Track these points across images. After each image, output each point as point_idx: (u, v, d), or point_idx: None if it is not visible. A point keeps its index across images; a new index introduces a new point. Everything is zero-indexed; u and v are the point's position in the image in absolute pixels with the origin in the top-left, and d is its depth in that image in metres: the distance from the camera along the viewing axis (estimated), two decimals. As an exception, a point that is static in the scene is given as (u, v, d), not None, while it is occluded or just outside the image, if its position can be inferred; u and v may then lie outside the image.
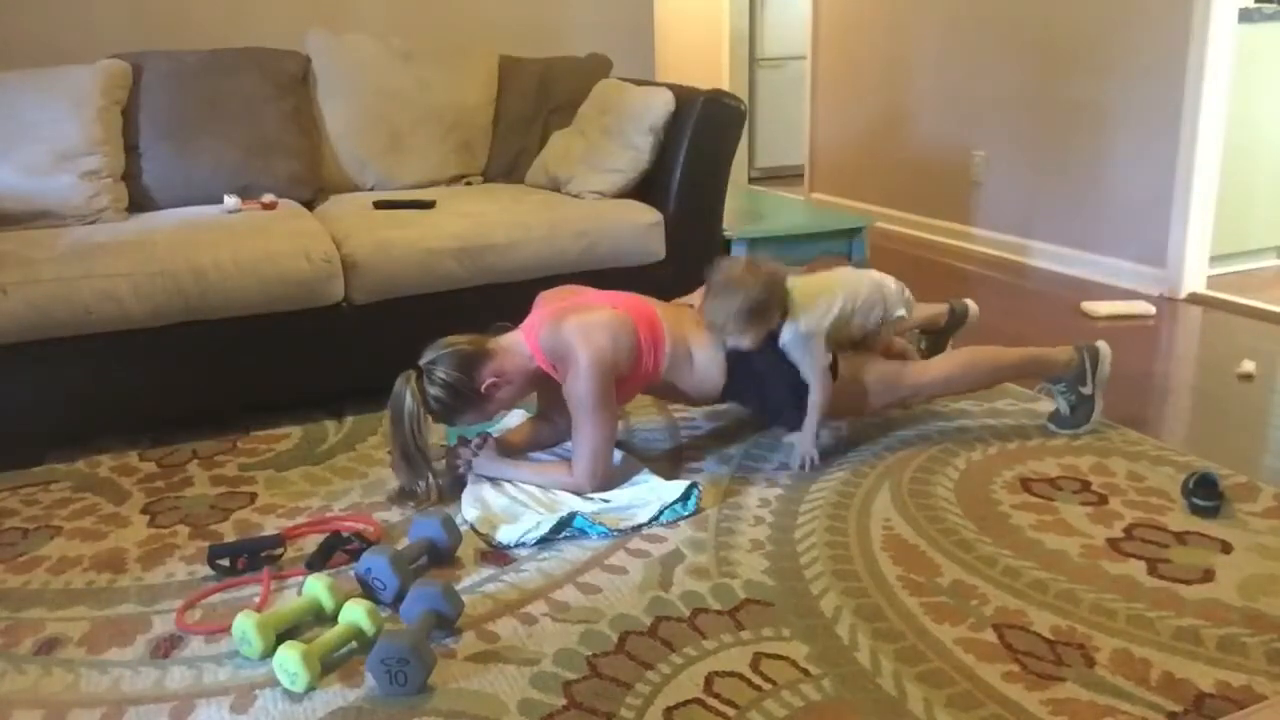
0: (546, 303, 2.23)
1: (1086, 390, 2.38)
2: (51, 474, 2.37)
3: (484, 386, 2.08)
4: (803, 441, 2.25)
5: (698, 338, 2.24)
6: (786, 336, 2.19)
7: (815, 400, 2.22)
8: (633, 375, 2.15)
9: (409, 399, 2.05)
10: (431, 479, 2.12)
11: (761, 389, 2.27)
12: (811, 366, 2.20)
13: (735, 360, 2.23)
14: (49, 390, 2.38)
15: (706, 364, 2.23)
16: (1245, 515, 1.99)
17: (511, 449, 2.29)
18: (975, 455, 2.31)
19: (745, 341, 2.18)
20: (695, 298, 2.35)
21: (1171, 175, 3.54)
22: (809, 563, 1.86)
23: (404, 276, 2.62)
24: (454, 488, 2.18)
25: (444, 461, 2.23)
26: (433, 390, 2.06)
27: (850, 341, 2.31)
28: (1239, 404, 2.61)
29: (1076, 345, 2.40)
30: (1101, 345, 2.40)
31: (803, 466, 2.24)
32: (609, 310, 2.13)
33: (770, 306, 2.17)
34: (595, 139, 3.06)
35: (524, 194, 3.08)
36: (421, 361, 2.10)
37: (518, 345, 2.15)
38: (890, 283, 2.34)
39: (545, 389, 2.23)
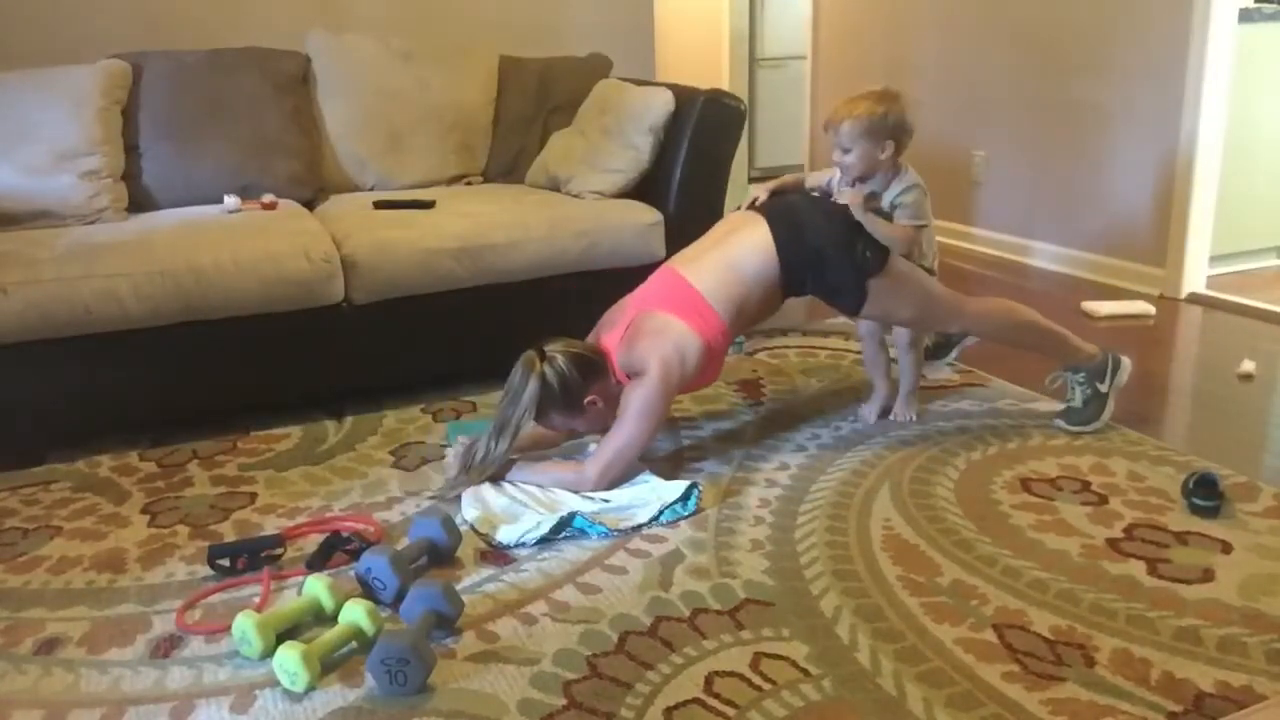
0: (608, 329, 2.24)
1: (1103, 388, 2.38)
2: (51, 474, 2.37)
3: (586, 400, 2.11)
4: (859, 200, 2.21)
5: (740, 254, 2.21)
6: (902, 188, 2.24)
7: (889, 227, 2.21)
8: (707, 367, 2.19)
9: (533, 382, 2.05)
10: (495, 454, 2.11)
11: (822, 266, 2.22)
12: (912, 216, 2.24)
13: (791, 244, 2.21)
14: (49, 390, 2.38)
15: (759, 272, 2.20)
16: (1245, 515, 1.99)
17: (514, 449, 2.28)
18: (975, 455, 2.31)
19: (850, 156, 2.22)
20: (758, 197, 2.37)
21: (1171, 175, 3.54)
22: (809, 563, 1.86)
23: (404, 276, 2.62)
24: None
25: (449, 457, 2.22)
26: (548, 373, 2.06)
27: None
28: (1239, 404, 2.61)
29: (1103, 347, 2.42)
30: (1125, 358, 2.42)
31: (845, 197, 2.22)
32: (675, 329, 2.13)
33: (885, 128, 2.20)
34: (595, 139, 3.06)
35: (524, 194, 3.08)
36: (546, 346, 2.11)
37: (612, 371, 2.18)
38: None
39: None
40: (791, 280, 2.23)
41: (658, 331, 2.14)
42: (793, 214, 2.25)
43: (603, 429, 2.20)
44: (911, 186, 2.26)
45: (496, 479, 2.17)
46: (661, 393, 2.10)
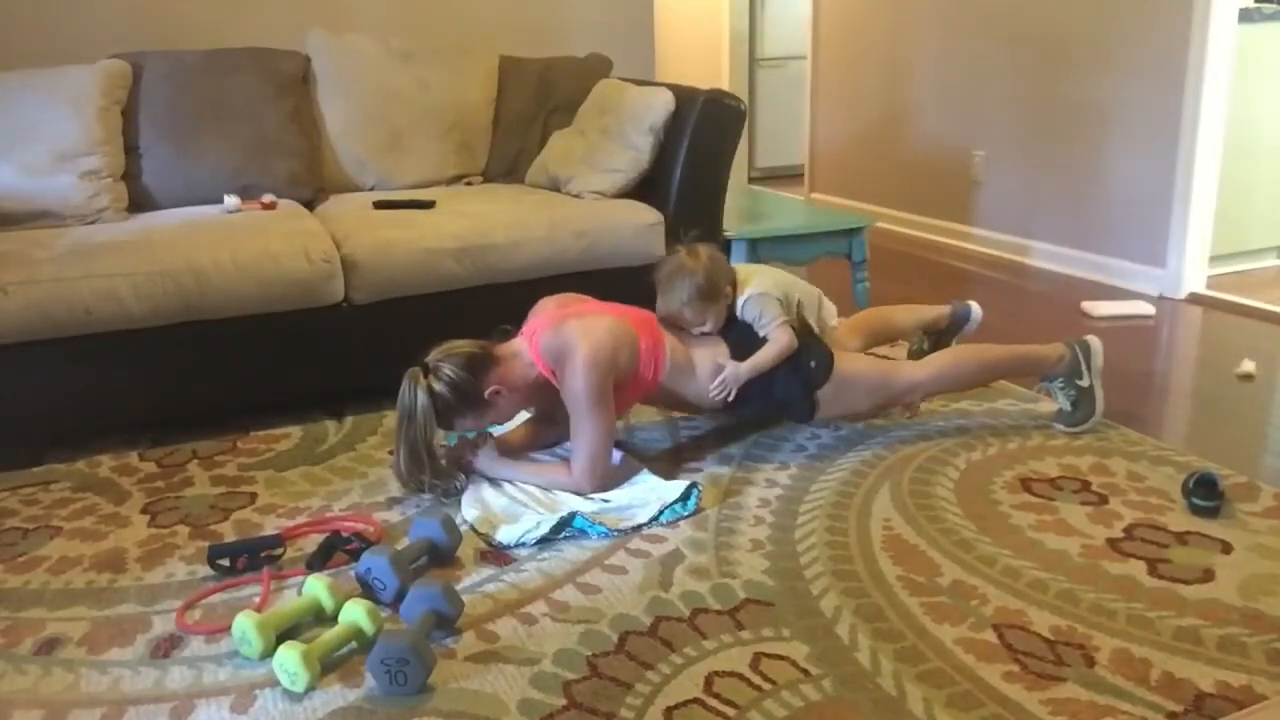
0: (546, 309, 2.23)
1: (1084, 383, 2.38)
2: (51, 474, 2.37)
3: (487, 393, 2.08)
4: (738, 370, 2.23)
5: (701, 348, 2.25)
6: (741, 304, 2.27)
7: (770, 349, 2.24)
8: (633, 381, 2.15)
9: (421, 395, 2.03)
10: (429, 480, 2.11)
11: (769, 385, 2.25)
12: (772, 318, 2.25)
13: (743, 358, 2.24)
14: (49, 390, 2.38)
15: (712, 372, 2.23)
16: (1245, 515, 1.99)
17: (511, 449, 2.29)
18: (975, 455, 2.31)
19: (708, 324, 2.25)
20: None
21: (1171, 175, 3.54)
22: (809, 563, 1.86)
23: (404, 276, 2.62)
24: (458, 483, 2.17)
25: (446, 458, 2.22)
26: (437, 387, 2.05)
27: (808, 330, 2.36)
28: (1239, 404, 2.61)
29: (1066, 340, 2.42)
30: (1091, 338, 2.42)
31: (723, 390, 2.22)
32: (610, 316, 2.14)
33: (719, 284, 2.24)
34: (595, 139, 3.06)
35: (524, 194, 3.08)
36: (428, 359, 2.09)
37: (521, 352, 2.15)
38: (815, 290, 2.43)
39: (545, 395, 2.23)
40: (736, 405, 2.27)
41: (592, 315, 2.14)
42: (747, 333, 2.27)
43: (520, 408, 2.23)
44: (746, 300, 2.27)
45: (466, 471, 2.19)
46: (596, 377, 2.04)
